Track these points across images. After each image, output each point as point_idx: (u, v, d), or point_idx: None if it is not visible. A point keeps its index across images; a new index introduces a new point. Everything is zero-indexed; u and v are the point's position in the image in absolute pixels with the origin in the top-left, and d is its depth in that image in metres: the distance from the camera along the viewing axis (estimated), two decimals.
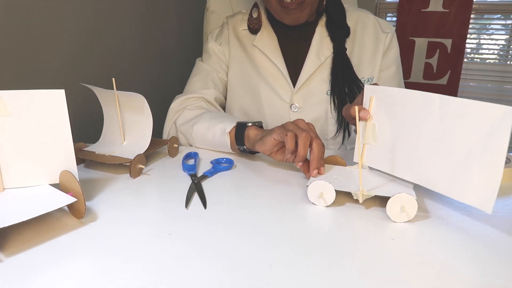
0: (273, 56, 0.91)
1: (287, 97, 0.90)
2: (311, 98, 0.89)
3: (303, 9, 0.84)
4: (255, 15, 0.94)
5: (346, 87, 0.87)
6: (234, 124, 0.75)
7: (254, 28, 0.94)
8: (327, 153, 0.72)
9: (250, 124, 0.73)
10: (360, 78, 0.89)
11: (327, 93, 0.89)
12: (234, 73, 0.96)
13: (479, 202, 0.49)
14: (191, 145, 0.85)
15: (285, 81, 0.91)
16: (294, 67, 0.91)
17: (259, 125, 0.75)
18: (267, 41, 0.93)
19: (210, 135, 0.78)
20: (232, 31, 0.97)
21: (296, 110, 0.90)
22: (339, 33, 0.90)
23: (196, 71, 0.97)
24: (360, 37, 0.92)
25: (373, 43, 0.92)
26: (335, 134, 0.90)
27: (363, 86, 0.88)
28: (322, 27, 0.91)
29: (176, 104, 0.91)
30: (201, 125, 0.80)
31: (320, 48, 0.90)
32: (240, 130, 0.74)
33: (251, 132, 0.72)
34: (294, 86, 0.90)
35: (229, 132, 0.75)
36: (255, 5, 0.95)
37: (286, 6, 0.82)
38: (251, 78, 0.94)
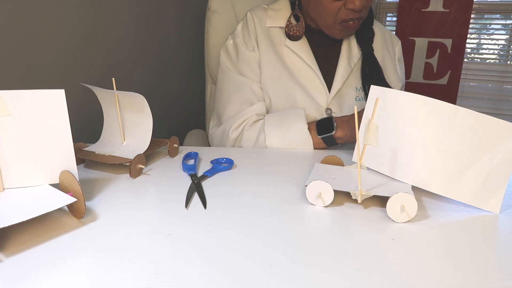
0: (307, 58, 0.90)
1: (323, 101, 0.89)
2: (344, 104, 0.90)
3: (358, 28, 0.87)
4: (294, 22, 0.91)
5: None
6: (303, 119, 0.82)
7: (294, 35, 0.90)
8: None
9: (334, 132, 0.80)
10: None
11: (356, 99, 0.90)
12: (266, 75, 0.92)
13: (488, 204, 0.54)
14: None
15: (320, 84, 0.90)
16: (325, 73, 0.91)
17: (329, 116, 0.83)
18: (299, 43, 0.91)
19: (286, 142, 0.81)
20: (259, 27, 0.93)
21: (331, 114, 0.89)
22: (367, 34, 0.92)
23: (233, 88, 0.93)
24: (381, 45, 0.95)
25: (389, 54, 0.95)
26: None
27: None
28: None
29: (234, 135, 0.88)
30: (272, 135, 0.82)
31: (349, 54, 0.91)
32: (326, 122, 0.81)
33: (344, 118, 0.81)
34: (329, 91, 0.90)
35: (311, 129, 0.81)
36: (293, 10, 0.92)
37: (348, 26, 0.84)
38: (285, 80, 0.91)
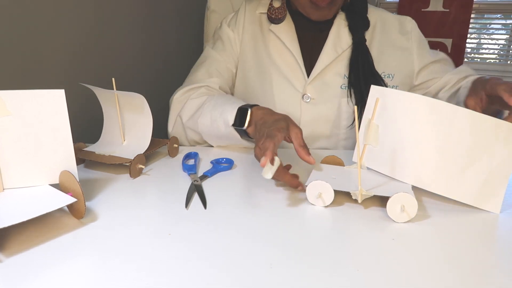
0: (289, 43, 0.89)
1: (300, 86, 0.88)
2: (325, 91, 0.87)
3: (332, 7, 0.85)
4: (276, 4, 0.90)
5: (364, 80, 0.86)
6: (235, 113, 0.73)
7: (276, 18, 0.90)
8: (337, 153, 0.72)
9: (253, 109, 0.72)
10: (380, 73, 0.87)
11: (341, 87, 0.87)
12: (245, 59, 0.93)
13: (488, 204, 0.54)
14: (200, 143, 0.84)
15: (299, 69, 0.88)
16: (309, 58, 0.89)
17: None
18: (284, 27, 0.91)
19: (215, 129, 0.77)
20: (248, 14, 0.95)
21: (308, 100, 0.87)
22: (359, 23, 0.89)
23: (203, 59, 0.96)
24: (380, 32, 0.92)
25: (395, 40, 0.92)
26: (349, 127, 0.88)
27: (383, 80, 0.87)
28: (341, 19, 0.90)
29: (179, 94, 0.89)
30: (204, 118, 0.79)
31: (337, 40, 0.89)
32: (242, 114, 0.72)
33: (256, 115, 0.71)
34: (308, 76, 0.88)
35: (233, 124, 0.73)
36: None
37: (316, 4, 0.82)
38: (263, 63, 0.91)
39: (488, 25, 2.24)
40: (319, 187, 0.54)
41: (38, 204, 0.48)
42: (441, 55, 0.96)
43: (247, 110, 0.71)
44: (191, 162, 0.72)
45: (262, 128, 0.64)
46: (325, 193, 0.54)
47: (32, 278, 0.39)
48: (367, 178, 0.59)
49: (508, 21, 2.19)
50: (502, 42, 2.22)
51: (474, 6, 2.09)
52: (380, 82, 0.86)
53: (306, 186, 0.55)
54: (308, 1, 0.83)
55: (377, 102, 0.58)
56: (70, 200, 0.49)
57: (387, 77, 0.89)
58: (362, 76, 0.85)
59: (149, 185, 0.62)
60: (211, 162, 0.70)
